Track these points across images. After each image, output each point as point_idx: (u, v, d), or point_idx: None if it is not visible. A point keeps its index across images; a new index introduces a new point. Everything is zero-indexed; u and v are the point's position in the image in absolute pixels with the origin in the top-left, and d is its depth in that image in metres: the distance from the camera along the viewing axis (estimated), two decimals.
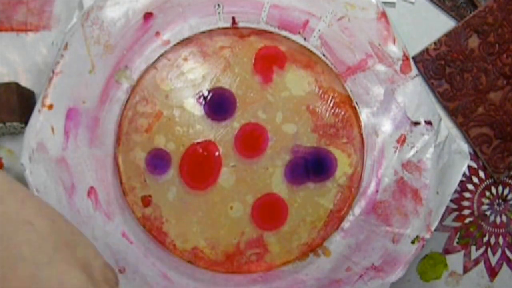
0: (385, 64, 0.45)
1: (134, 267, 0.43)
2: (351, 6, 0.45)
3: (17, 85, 0.44)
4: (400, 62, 0.45)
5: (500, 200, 0.49)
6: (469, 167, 0.49)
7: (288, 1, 0.45)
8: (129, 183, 0.43)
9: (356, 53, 0.45)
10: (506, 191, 0.49)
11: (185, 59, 0.44)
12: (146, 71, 0.44)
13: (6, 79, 0.45)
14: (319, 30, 0.45)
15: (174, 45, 0.44)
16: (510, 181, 0.49)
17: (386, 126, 0.44)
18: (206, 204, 0.44)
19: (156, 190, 0.43)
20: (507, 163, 0.48)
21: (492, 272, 0.50)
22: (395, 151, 0.44)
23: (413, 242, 0.44)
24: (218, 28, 0.44)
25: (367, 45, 0.45)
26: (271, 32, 0.45)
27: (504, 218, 0.49)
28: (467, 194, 0.49)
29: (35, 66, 0.46)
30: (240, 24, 0.45)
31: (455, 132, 0.49)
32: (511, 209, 0.50)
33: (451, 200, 0.49)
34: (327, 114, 0.44)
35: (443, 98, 0.48)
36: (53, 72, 0.44)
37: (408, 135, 0.44)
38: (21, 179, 0.46)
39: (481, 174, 0.49)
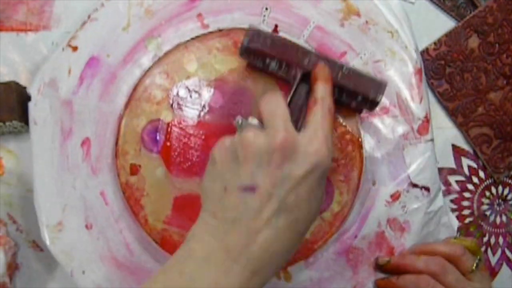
0: (405, 120, 0.45)
1: (101, 227, 0.43)
2: (392, 53, 0.45)
3: (16, 84, 0.44)
4: (420, 122, 0.45)
5: (500, 200, 0.49)
6: (469, 167, 0.49)
7: (334, 27, 0.45)
8: (124, 147, 0.43)
9: None
10: (506, 191, 0.49)
11: (218, 49, 0.44)
12: (177, 47, 0.44)
13: (6, 79, 0.45)
14: (353, 65, 0.45)
15: (212, 31, 0.44)
16: (510, 181, 0.49)
17: (386, 179, 0.44)
18: (189, 192, 0.44)
19: (147, 163, 0.43)
20: (507, 163, 0.48)
21: (492, 272, 0.50)
22: (385, 205, 0.44)
23: None
24: None
25: (394, 95, 0.45)
26: None
27: (504, 218, 0.49)
28: (467, 194, 0.49)
29: (35, 66, 0.46)
30: (281, 34, 0.45)
31: (455, 132, 0.49)
32: (511, 209, 0.49)
33: (451, 201, 0.49)
34: (334, 147, 0.44)
35: (443, 98, 0.48)
36: (88, 17, 0.44)
37: (403, 194, 0.44)
38: (22, 179, 0.46)
39: (481, 174, 0.49)
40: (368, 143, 0.44)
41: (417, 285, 0.41)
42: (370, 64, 0.45)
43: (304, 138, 0.33)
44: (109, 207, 0.44)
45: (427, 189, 0.44)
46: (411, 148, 0.45)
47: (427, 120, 0.45)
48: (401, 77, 0.45)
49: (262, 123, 0.34)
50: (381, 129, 0.45)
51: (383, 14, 0.45)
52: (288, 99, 0.37)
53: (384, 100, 0.45)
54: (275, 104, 0.34)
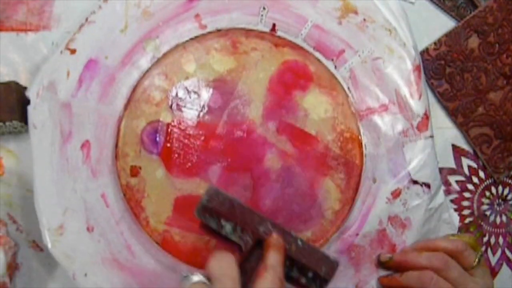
0: (404, 116, 0.45)
1: (102, 230, 0.43)
2: (390, 51, 0.45)
3: (16, 84, 0.44)
4: (419, 119, 0.45)
5: (500, 200, 0.49)
6: (469, 167, 0.49)
7: (331, 26, 0.45)
8: (124, 149, 0.43)
9: (380, 96, 0.45)
10: (506, 191, 0.49)
11: (216, 49, 0.44)
12: (175, 48, 0.44)
13: (6, 79, 0.45)
14: (352, 63, 0.45)
15: (210, 32, 0.44)
16: (510, 181, 0.49)
17: (386, 176, 0.44)
18: (190, 193, 0.44)
19: (147, 164, 0.43)
20: (507, 163, 0.48)
21: (492, 272, 0.50)
22: (386, 202, 0.44)
23: None
24: (257, 30, 0.44)
25: (393, 92, 0.45)
26: (305, 50, 0.45)
27: (504, 218, 0.49)
28: (467, 194, 0.49)
29: (35, 66, 0.46)
30: (279, 33, 0.45)
31: (455, 132, 0.49)
32: (511, 209, 0.49)
33: (451, 201, 0.49)
34: (334, 145, 0.44)
35: (443, 98, 0.48)
36: (86, 19, 0.44)
37: (404, 191, 0.44)
38: (22, 179, 0.46)
39: (481, 174, 0.49)
40: (368, 140, 0.45)
41: (420, 280, 0.41)
42: (369, 62, 0.45)
43: None
44: (110, 209, 0.44)
45: (427, 185, 0.44)
46: (411, 145, 0.45)
47: (426, 116, 0.45)
48: (400, 74, 0.45)
49: (208, 281, 0.34)
50: (380, 126, 0.45)
51: (381, 12, 0.45)
52: (239, 262, 0.37)
53: (383, 98, 0.45)
54: (226, 265, 0.34)
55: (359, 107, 0.45)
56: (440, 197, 0.45)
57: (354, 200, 0.44)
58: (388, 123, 0.45)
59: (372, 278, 0.44)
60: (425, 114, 0.45)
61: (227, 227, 0.40)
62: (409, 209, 0.44)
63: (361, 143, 0.44)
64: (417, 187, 0.44)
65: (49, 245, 0.43)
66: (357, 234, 0.44)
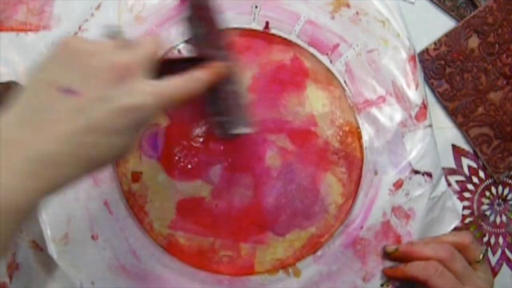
0: (402, 107, 0.45)
1: (107, 237, 0.43)
2: (384, 42, 0.45)
3: (16, 84, 0.44)
4: (417, 109, 0.45)
5: (500, 200, 0.49)
6: (469, 167, 0.49)
7: (325, 21, 0.45)
8: None
9: (377, 88, 0.45)
10: (506, 191, 0.49)
11: None
12: (169, 51, 0.44)
13: (6, 79, 0.45)
14: (347, 57, 0.45)
15: None
16: (510, 181, 0.49)
17: (387, 168, 0.44)
18: (192, 196, 0.44)
19: (148, 170, 0.43)
20: (507, 163, 0.48)
21: (492, 272, 0.49)
22: (389, 194, 0.44)
23: (382, 285, 0.44)
24: (250, 29, 0.44)
25: (390, 83, 0.45)
26: (299, 46, 0.45)
27: (504, 218, 0.49)
28: (467, 194, 0.49)
29: None
30: (272, 30, 0.45)
31: (455, 132, 0.49)
32: (511, 209, 0.50)
33: None
34: (334, 140, 0.44)
35: (443, 98, 0.48)
36: (79, 27, 0.44)
37: (406, 182, 0.44)
38: None
39: (481, 174, 0.49)
40: (367, 133, 0.45)
41: (425, 270, 0.42)
42: (364, 55, 0.45)
43: (150, 81, 0.31)
44: (114, 216, 0.44)
45: (429, 174, 0.45)
46: (411, 135, 0.45)
47: (424, 106, 0.45)
48: (395, 65, 0.45)
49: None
50: (379, 118, 0.45)
51: (373, 4, 0.45)
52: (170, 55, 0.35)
53: (380, 89, 0.45)
54: (155, 44, 0.33)
55: (356, 100, 0.45)
56: (443, 185, 0.45)
57: (357, 193, 0.44)
58: (386, 115, 0.45)
59: (378, 271, 0.44)
60: (423, 103, 0.45)
61: (198, 30, 0.37)
62: (412, 199, 0.44)
63: (361, 136, 0.44)
64: (419, 176, 0.44)
65: (55, 256, 0.43)
66: (361, 227, 0.44)
